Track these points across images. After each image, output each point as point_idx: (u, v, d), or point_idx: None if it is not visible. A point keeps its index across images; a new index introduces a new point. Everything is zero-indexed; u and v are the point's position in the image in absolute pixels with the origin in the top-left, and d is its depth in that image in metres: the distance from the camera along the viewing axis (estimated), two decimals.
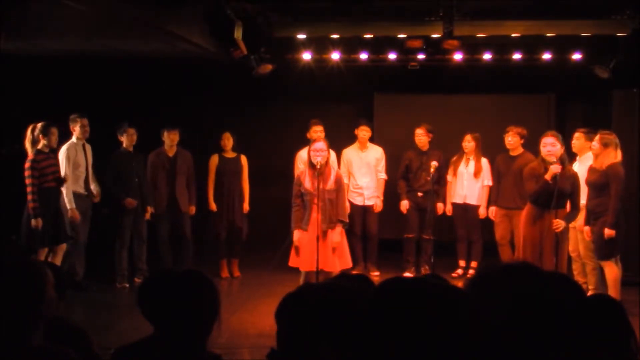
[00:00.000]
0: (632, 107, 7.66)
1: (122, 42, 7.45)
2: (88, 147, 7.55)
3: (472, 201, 8.09)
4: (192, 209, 8.04)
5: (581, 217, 6.63)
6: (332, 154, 8.04)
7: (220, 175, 8.01)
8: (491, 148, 8.15)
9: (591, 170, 6.48)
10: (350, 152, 8.33)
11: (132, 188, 7.62)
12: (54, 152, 7.10)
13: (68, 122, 7.40)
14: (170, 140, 7.94)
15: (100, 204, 7.68)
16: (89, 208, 7.55)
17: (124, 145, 7.69)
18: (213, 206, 7.98)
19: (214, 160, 8.04)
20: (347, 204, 8.01)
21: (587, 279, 6.66)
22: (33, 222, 6.70)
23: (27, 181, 6.73)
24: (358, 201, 8.24)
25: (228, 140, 8.04)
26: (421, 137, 8.13)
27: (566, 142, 7.32)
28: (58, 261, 6.84)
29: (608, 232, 6.28)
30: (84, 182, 7.44)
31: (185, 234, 7.96)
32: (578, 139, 6.93)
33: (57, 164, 7.09)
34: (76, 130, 7.37)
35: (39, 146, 6.86)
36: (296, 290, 2.15)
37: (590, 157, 6.65)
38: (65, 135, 7.38)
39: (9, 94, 7.29)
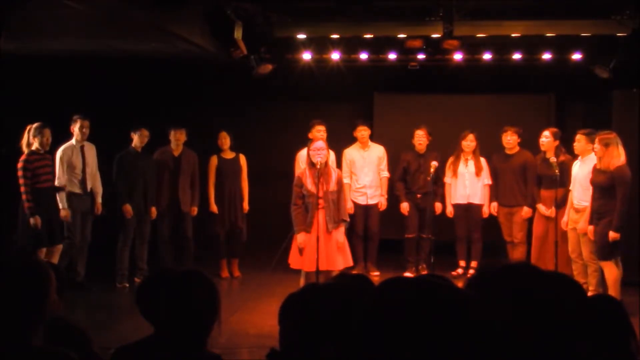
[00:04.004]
0: (632, 107, 7.66)
1: (122, 42, 7.44)
2: (90, 148, 7.49)
3: (475, 200, 8.07)
4: (194, 210, 8.00)
5: (583, 219, 6.64)
6: (332, 154, 8.03)
7: (220, 176, 7.99)
8: (491, 148, 8.14)
9: (596, 171, 6.47)
10: (352, 152, 8.27)
11: (137, 188, 7.60)
12: (51, 152, 7.07)
13: (70, 123, 7.37)
14: (177, 139, 7.91)
15: (103, 204, 7.63)
16: (90, 207, 7.50)
17: (133, 144, 7.67)
18: (214, 208, 7.96)
19: (214, 161, 8.01)
20: (351, 204, 8.04)
21: (588, 280, 6.64)
22: (31, 221, 6.69)
23: (20, 181, 6.73)
24: (361, 200, 8.20)
25: (225, 139, 8.00)
26: (421, 138, 8.09)
27: (567, 142, 7.33)
28: (55, 261, 6.82)
29: (613, 235, 6.27)
30: (80, 183, 7.36)
31: (186, 234, 7.95)
32: (579, 141, 6.88)
33: (51, 165, 7.06)
34: (74, 131, 7.34)
35: (32, 147, 6.85)
36: (299, 290, 2.15)
37: (592, 158, 6.64)
38: (68, 136, 7.37)
39: (9, 94, 7.28)
